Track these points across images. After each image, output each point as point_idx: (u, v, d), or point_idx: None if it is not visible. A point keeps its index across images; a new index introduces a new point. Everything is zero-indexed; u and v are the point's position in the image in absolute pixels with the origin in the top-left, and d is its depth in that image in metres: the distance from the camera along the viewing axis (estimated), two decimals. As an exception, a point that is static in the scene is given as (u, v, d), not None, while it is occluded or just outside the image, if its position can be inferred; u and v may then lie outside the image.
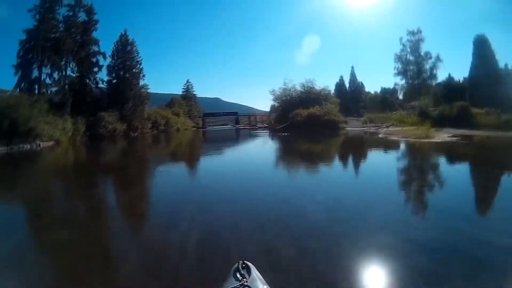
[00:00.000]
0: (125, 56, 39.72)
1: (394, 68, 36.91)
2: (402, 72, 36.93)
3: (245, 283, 1.37)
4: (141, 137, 34.48)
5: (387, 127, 26.13)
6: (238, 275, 1.47)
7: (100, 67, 37.23)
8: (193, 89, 71.39)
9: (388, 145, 16.20)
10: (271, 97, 43.89)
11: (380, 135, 22.17)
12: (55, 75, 33.17)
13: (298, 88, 39.28)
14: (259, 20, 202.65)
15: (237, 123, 76.07)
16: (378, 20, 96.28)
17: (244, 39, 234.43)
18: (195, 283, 2.69)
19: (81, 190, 7.90)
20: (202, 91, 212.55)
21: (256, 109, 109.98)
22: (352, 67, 55.72)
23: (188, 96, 68.40)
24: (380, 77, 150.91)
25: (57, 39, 33.19)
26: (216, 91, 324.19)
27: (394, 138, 19.05)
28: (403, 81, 37.56)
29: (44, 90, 31.48)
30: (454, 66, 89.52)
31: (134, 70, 39.87)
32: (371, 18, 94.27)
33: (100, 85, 38.27)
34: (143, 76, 40.75)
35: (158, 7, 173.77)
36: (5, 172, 12.17)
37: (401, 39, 36.13)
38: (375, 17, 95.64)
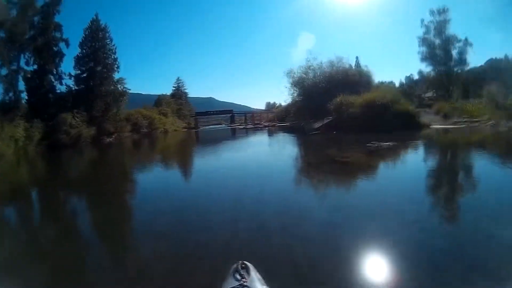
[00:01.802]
0: (96, 45, 32.85)
1: (419, 53, 31.51)
2: (430, 57, 31.70)
3: (244, 283, 1.38)
4: (116, 144, 27.78)
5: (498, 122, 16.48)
6: (237, 276, 1.48)
7: (61, 57, 30.15)
8: (184, 87, 64.38)
9: None
10: (283, 84, 31.33)
11: None
12: (3, 70, 26.07)
13: (326, 68, 27.01)
14: (253, 17, 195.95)
15: (233, 122, 70.11)
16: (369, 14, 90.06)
17: (237, 37, 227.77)
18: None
19: None
20: (194, 91, 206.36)
21: (251, 108, 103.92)
22: (357, 58, 47.90)
23: (178, 94, 61.35)
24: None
25: (5, 22, 26.22)
26: (209, 90, 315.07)
27: None
28: (429, 68, 32.22)
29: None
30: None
31: (106, 61, 32.98)
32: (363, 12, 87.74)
33: (67, 81, 31.43)
34: (117, 67, 33.86)
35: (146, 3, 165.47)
36: None
37: (422, 20, 30.90)
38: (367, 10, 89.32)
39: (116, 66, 33.69)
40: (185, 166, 12.78)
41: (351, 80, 24.03)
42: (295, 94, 28.70)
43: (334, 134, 18.07)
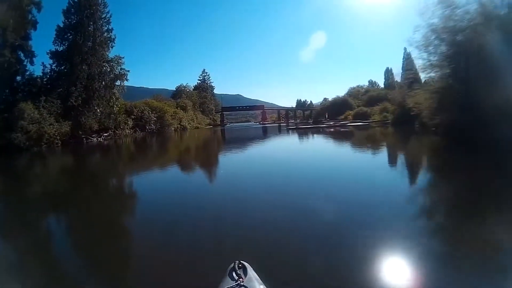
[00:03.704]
0: (84, 13, 23.98)
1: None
2: None
3: (241, 283, 1.33)
4: (104, 146, 18.77)
5: None
6: (234, 275, 1.42)
7: (31, 26, 21.31)
8: (211, 80, 55.19)
9: None
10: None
11: None
12: None
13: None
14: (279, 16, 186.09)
15: (264, 119, 61.09)
16: None
17: (271, 30, 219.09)
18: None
19: None
20: (222, 88, 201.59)
21: (279, 106, 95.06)
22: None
23: (203, 86, 52.26)
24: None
25: None
26: (238, 87, 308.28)
27: None
28: None
29: None
30: None
31: (96, 33, 23.92)
32: None
33: (46, 59, 22.94)
34: (111, 41, 24.58)
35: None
36: None
37: None
38: None
39: (109, 39, 24.55)
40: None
41: None
42: (437, 57, 12.96)
43: None
